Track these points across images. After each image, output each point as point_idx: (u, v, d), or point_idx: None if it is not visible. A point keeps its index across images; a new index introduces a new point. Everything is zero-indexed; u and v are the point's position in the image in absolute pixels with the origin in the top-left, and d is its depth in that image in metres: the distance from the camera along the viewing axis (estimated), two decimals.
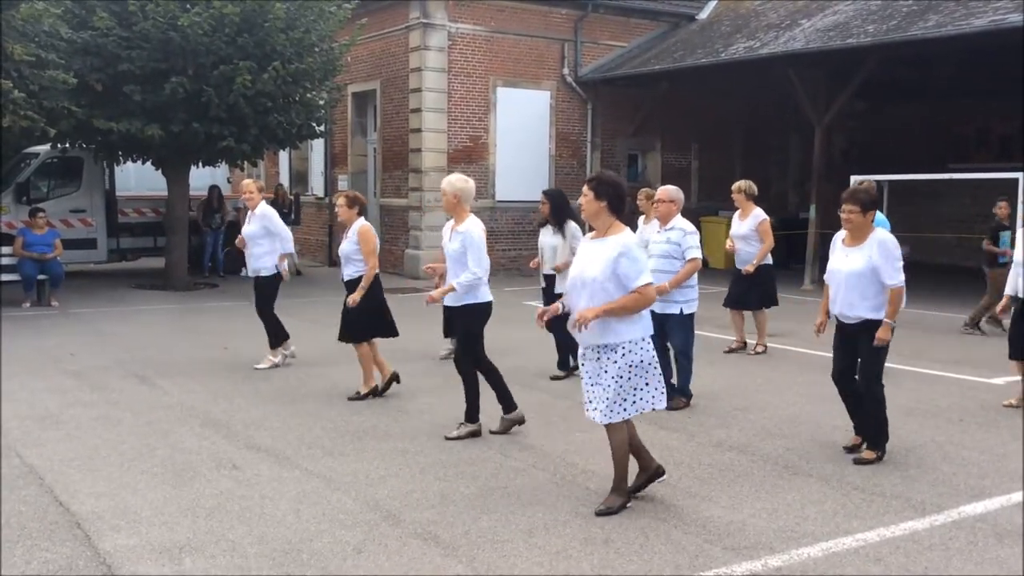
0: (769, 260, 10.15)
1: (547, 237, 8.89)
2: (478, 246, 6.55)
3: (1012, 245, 9.63)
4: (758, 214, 10.06)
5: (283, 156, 22.91)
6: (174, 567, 4.45)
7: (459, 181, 6.71)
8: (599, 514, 5.17)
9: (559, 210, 8.79)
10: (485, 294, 6.71)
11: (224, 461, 6.13)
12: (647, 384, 5.19)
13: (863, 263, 6.00)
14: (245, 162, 18.07)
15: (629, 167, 20.73)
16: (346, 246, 8.01)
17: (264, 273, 9.21)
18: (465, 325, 6.70)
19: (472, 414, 6.76)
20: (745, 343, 10.43)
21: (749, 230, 10.04)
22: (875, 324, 6.02)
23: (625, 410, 5.16)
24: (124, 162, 17.10)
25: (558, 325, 9.01)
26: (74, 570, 4.43)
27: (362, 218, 8.08)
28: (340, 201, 8.08)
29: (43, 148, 16.34)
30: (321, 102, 17.08)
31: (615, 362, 5.09)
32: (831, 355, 6.43)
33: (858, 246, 6.08)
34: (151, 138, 14.40)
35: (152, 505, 5.27)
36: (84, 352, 10.06)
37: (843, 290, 6.11)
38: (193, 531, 4.89)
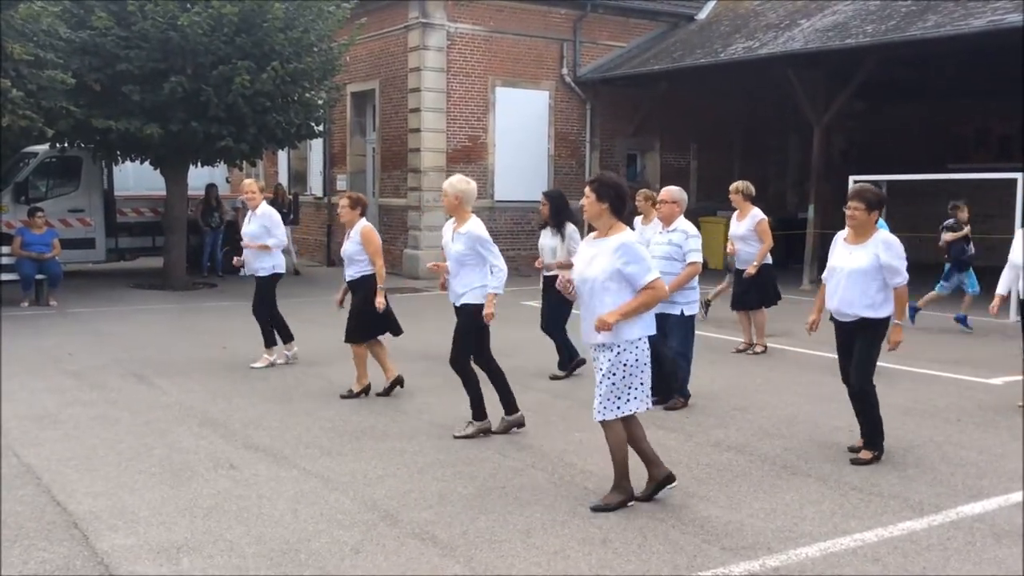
0: (769, 259, 10.16)
1: (547, 239, 8.90)
2: (489, 242, 6.61)
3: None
4: (756, 214, 10.07)
5: (282, 156, 22.91)
6: (172, 567, 4.44)
7: (461, 183, 6.71)
8: (595, 509, 5.18)
9: (558, 212, 8.79)
10: (481, 295, 6.71)
11: (222, 461, 6.13)
12: (642, 384, 5.20)
13: (867, 261, 6.00)
14: (244, 162, 18.07)
15: (628, 167, 20.73)
16: (349, 247, 8.02)
17: (262, 273, 9.22)
18: (462, 325, 6.71)
19: (478, 412, 6.76)
20: (752, 344, 10.44)
21: (747, 230, 10.06)
22: (871, 323, 6.04)
23: (619, 408, 5.16)
24: (123, 162, 17.11)
25: (558, 326, 9.06)
26: (71, 570, 4.42)
27: (363, 219, 8.11)
28: (343, 202, 8.10)
29: (42, 148, 16.34)
30: (320, 102, 17.09)
31: (608, 360, 5.11)
32: (829, 355, 6.45)
33: (861, 244, 6.08)
34: (150, 138, 14.40)
35: (150, 505, 5.27)
36: (82, 352, 10.06)
37: (842, 287, 6.11)
38: (191, 531, 4.88)
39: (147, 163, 16.57)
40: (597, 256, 5.15)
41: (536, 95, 19.25)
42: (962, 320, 11.88)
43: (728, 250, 10.35)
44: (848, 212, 6.12)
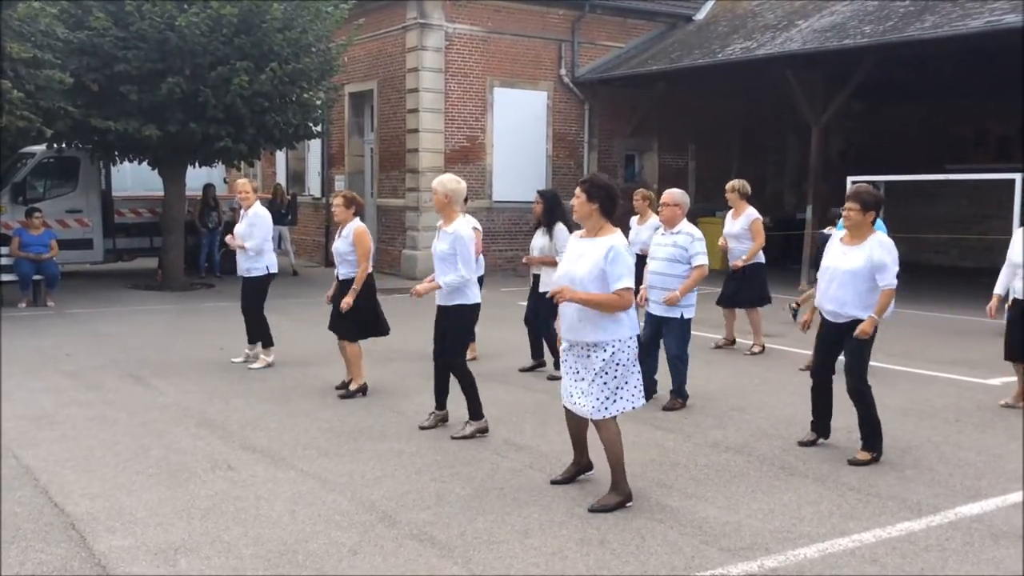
0: (761, 259, 10.22)
1: (538, 238, 8.91)
2: (466, 247, 6.56)
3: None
4: (751, 213, 10.17)
5: (280, 156, 22.89)
6: (169, 568, 4.44)
7: (451, 182, 6.70)
8: (592, 511, 5.19)
9: (550, 211, 8.80)
10: (474, 295, 6.72)
11: (219, 462, 6.12)
12: (627, 383, 5.25)
13: (862, 262, 6.01)
14: (242, 162, 18.04)
15: (626, 168, 20.74)
16: (341, 245, 8.01)
17: (255, 273, 9.22)
18: (453, 326, 6.71)
19: (475, 411, 6.76)
20: (734, 340, 10.55)
21: (742, 229, 10.16)
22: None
23: (616, 405, 5.22)
24: (120, 162, 17.07)
25: (547, 322, 9.06)
26: (69, 571, 4.41)
27: (357, 219, 8.09)
28: (337, 201, 8.09)
29: (39, 148, 16.31)
30: (318, 102, 17.06)
31: (603, 359, 5.14)
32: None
33: (857, 245, 6.10)
34: (148, 138, 14.38)
35: (147, 506, 5.26)
36: (80, 352, 10.05)
37: (835, 287, 6.13)
38: (188, 532, 4.88)
39: (145, 163, 16.54)
40: (585, 255, 5.20)
41: (534, 96, 19.24)
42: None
43: (720, 244, 10.41)
44: (844, 213, 6.15)
